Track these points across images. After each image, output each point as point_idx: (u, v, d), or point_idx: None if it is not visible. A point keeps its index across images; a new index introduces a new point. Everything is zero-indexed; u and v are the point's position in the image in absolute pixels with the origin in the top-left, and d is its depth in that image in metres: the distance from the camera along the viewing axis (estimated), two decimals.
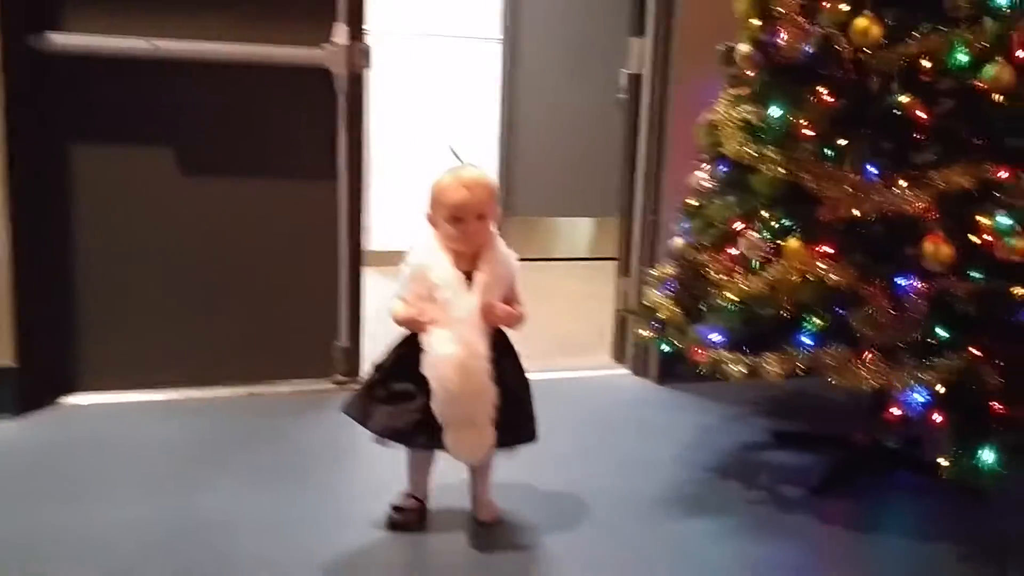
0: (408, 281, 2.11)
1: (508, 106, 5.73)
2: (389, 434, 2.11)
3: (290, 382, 3.19)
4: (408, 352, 2.11)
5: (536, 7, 5.74)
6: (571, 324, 4.24)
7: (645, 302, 2.64)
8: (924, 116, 2.14)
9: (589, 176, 5.77)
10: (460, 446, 2.06)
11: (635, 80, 3.41)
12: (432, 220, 2.13)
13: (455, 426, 2.04)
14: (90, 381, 3.02)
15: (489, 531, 2.22)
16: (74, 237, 2.96)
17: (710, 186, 2.58)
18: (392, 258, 4.79)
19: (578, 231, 6.15)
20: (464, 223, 2.06)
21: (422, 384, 2.05)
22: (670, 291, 2.58)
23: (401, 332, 2.15)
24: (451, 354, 2.00)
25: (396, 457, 2.26)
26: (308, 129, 3.07)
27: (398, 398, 2.10)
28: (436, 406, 2.03)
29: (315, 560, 2.04)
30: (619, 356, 3.66)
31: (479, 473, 2.25)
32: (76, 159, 2.92)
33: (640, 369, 3.53)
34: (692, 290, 2.51)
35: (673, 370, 3.35)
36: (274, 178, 3.09)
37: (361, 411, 2.13)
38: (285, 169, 3.09)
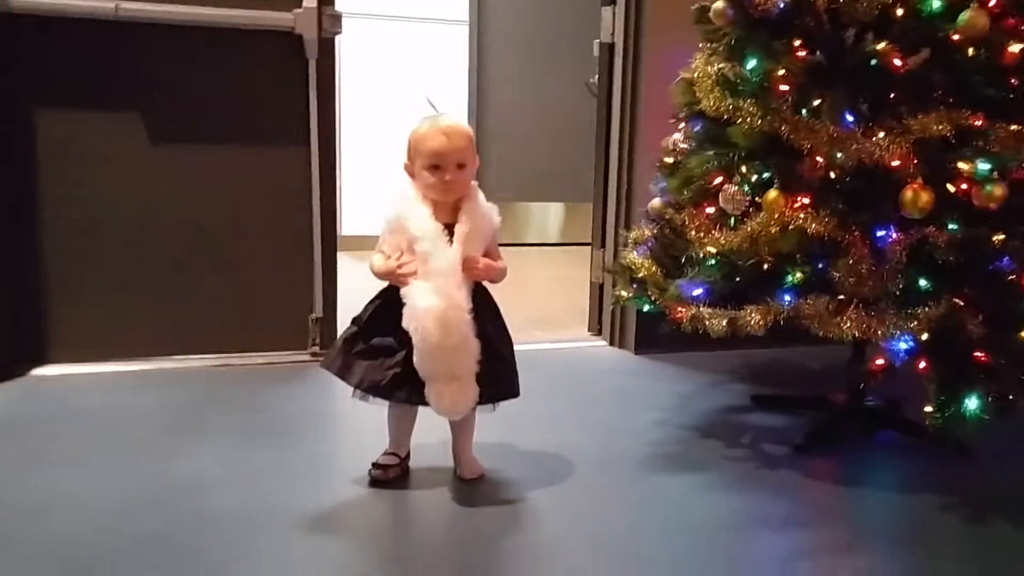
0: (387, 233, 2.08)
1: (477, 90, 5.71)
2: (369, 388, 2.07)
3: (264, 354, 3.15)
4: (386, 305, 2.07)
5: None
6: (546, 302, 4.23)
7: (623, 262, 2.62)
8: (900, 64, 2.13)
9: (559, 161, 5.78)
10: (442, 400, 2.02)
11: (608, 49, 3.40)
12: (410, 170, 2.09)
13: (437, 380, 2.01)
14: (61, 352, 2.97)
15: (472, 487, 2.19)
16: (42, 205, 2.90)
17: (686, 146, 2.57)
18: (361, 243, 4.79)
19: (549, 217, 6.14)
20: (443, 171, 2.03)
21: (402, 337, 2.02)
22: (648, 250, 2.57)
23: (380, 286, 2.11)
24: (432, 306, 1.97)
25: (376, 423, 2.24)
26: (279, 95, 3.04)
27: (378, 352, 2.07)
28: (417, 359, 2.00)
29: (295, 516, 2.00)
30: (596, 328, 3.65)
31: (461, 430, 2.22)
32: (42, 124, 2.86)
33: (617, 340, 3.52)
34: (671, 249, 2.50)
35: (650, 340, 3.35)
36: (245, 145, 3.04)
37: (340, 366, 2.09)
38: (256, 136, 3.04)
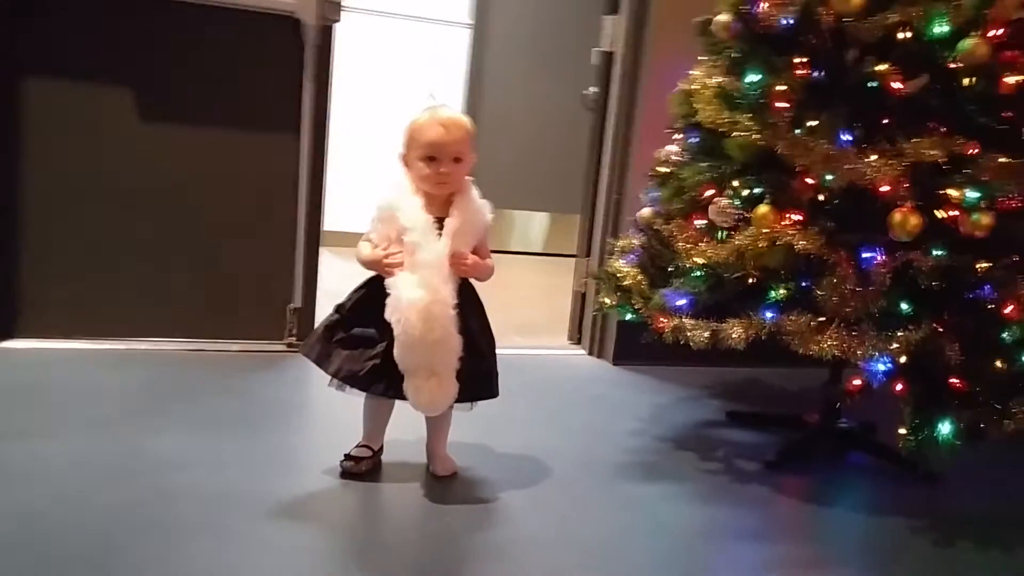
0: (376, 222, 2.06)
1: (473, 93, 5.71)
2: (346, 378, 2.05)
3: (240, 341, 3.11)
4: (370, 295, 2.06)
5: None
6: (527, 309, 4.23)
7: (609, 269, 2.63)
8: (899, 87, 2.15)
9: (548, 170, 5.79)
10: (420, 395, 2.00)
11: (607, 58, 3.41)
12: (405, 160, 2.08)
13: (416, 374, 1.99)
14: (32, 326, 2.93)
15: (445, 484, 2.18)
16: (21, 174, 2.85)
17: (680, 157, 2.58)
18: (343, 239, 4.77)
19: (533, 226, 6.14)
20: (439, 163, 2.02)
21: (383, 329, 2.01)
22: (635, 259, 2.57)
23: (365, 275, 2.10)
24: (416, 299, 1.95)
25: (350, 416, 2.23)
26: (273, 80, 3.01)
27: (358, 342, 2.05)
28: (398, 352, 1.98)
29: (261, 500, 1.98)
30: (575, 338, 3.65)
31: (436, 427, 2.21)
32: (27, 91, 2.82)
33: (596, 350, 3.52)
34: (657, 259, 2.50)
35: (629, 351, 3.36)
36: (236, 128, 3.01)
37: (319, 353, 2.08)
38: (248, 120, 3.02)
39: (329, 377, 2.09)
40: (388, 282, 2.01)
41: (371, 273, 2.09)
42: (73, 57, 2.85)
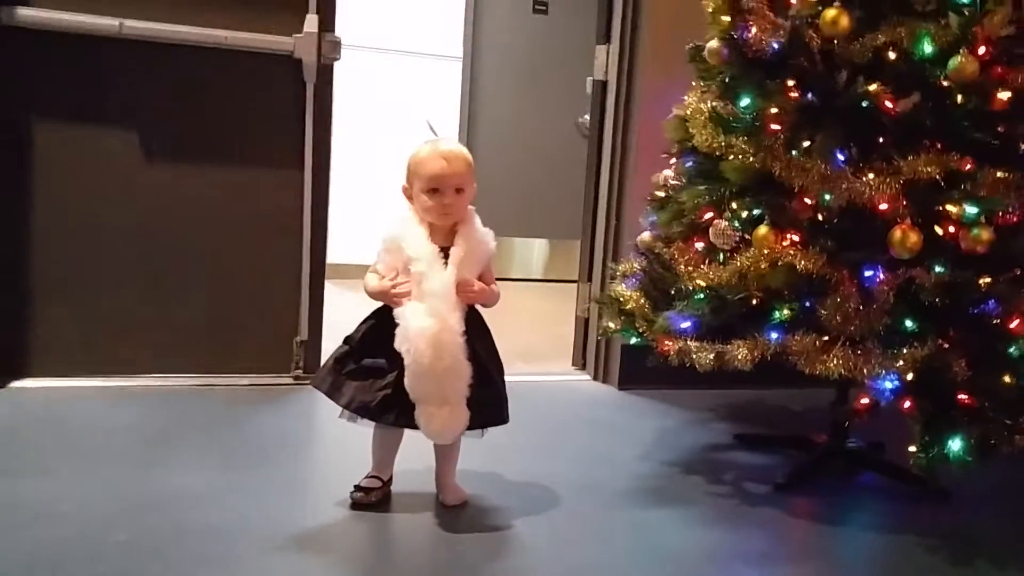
0: (383, 253, 2.08)
1: (467, 124, 5.74)
2: (358, 409, 2.06)
3: (248, 375, 3.12)
4: (379, 326, 2.07)
5: (497, 28, 5.81)
6: (530, 336, 4.23)
7: (611, 294, 2.64)
8: (891, 106, 2.17)
9: (546, 198, 5.82)
10: (432, 423, 2.01)
11: (601, 87, 3.43)
12: (407, 193, 2.11)
13: (427, 402, 2.00)
14: (42, 365, 2.94)
15: (454, 513, 2.18)
16: (29, 216, 2.88)
17: (677, 181, 2.59)
18: (346, 271, 4.77)
19: (533, 253, 6.16)
20: (441, 195, 2.04)
21: (393, 359, 2.02)
22: (636, 283, 2.58)
23: (371, 307, 2.11)
24: (425, 328, 1.97)
25: (359, 446, 2.23)
26: (276, 119, 3.05)
27: (368, 373, 2.06)
28: (408, 381, 1.99)
29: (274, 533, 1.98)
30: (580, 363, 3.65)
31: (445, 456, 2.21)
32: (33, 135, 2.86)
33: (601, 375, 3.52)
34: (659, 283, 2.50)
35: (634, 376, 3.36)
36: (239, 166, 3.05)
37: (330, 385, 2.08)
38: (251, 157, 3.05)
39: (340, 409, 2.10)
40: (396, 312, 2.02)
41: (378, 304, 2.10)
42: (79, 99, 2.89)
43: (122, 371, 3.00)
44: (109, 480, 2.20)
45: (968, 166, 2.14)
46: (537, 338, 4.21)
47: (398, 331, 2.00)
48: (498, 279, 2.19)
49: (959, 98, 2.19)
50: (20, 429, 2.55)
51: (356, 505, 2.14)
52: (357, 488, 2.16)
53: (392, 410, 2.04)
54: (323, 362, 2.18)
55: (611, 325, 2.64)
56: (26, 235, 2.89)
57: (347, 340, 2.12)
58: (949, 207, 2.12)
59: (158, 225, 3.00)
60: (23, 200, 2.87)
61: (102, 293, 2.98)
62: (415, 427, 2.04)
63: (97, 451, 2.40)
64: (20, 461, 2.31)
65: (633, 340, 2.59)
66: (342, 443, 2.23)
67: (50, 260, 2.92)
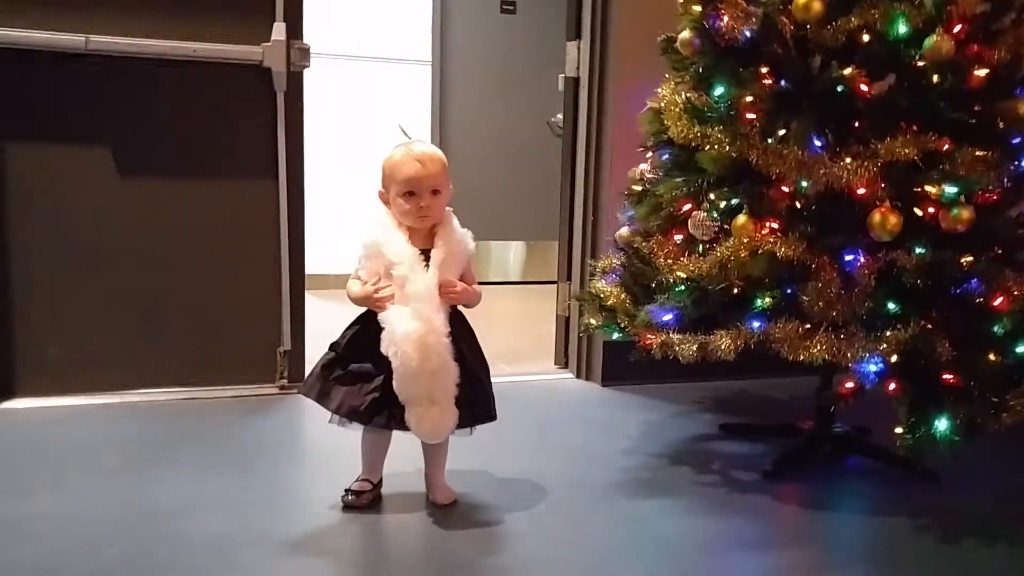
0: (363, 259, 2.08)
1: (439, 129, 5.73)
2: (348, 413, 2.06)
3: (232, 387, 3.11)
4: (363, 331, 2.07)
5: (465, 31, 5.80)
6: (511, 337, 4.22)
7: (591, 290, 2.63)
8: (866, 89, 2.18)
9: (521, 200, 5.82)
10: (422, 423, 2.01)
11: (573, 84, 3.43)
12: (384, 198, 2.10)
13: (417, 403, 2.00)
14: (28, 386, 2.93)
15: (446, 512, 2.17)
16: (7, 238, 2.86)
17: (653, 175, 2.59)
18: (326, 281, 4.74)
19: (510, 255, 6.15)
20: (418, 197, 2.04)
21: (380, 362, 2.02)
22: (617, 279, 2.58)
23: (353, 313, 2.11)
24: (410, 331, 1.97)
25: (348, 452, 2.23)
26: (248, 129, 3.03)
27: (356, 377, 2.06)
28: (397, 384, 1.99)
29: (269, 540, 1.98)
30: (562, 362, 3.64)
31: (434, 455, 2.21)
32: (9, 156, 2.84)
33: (584, 372, 3.52)
34: (639, 277, 2.50)
35: (617, 372, 3.35)
36: (213, 178, 3.03)
37: (319, 392, 2.08)
38: (224, 169, 3.03)
39: (330, 414, 2.10)
40: (381, 316, 2.02)
41: (362, 310, 2.09)
42: (48, 120, 2.87)
43: (108, 388, 2.99)
44: (101, 495, 2.19)
45: (946, 146, 2.14)
46: (519, 339, 4.21)
47: (384, 335, 1.99)
48: (478, 282, 2.19)
49: (935, 78, 2.19)
50: (9, 449, 2.53)
51: (348, 508, 2.14)
52: (348, 492, 2.16)
53: (382, 412, 2.03)
54: (309, 370, 2.18)
55: (592, 322, 2.63)
56: (5, 257, 2.87)
57: (333, 346, 2.11)
58: (928, 188, 2.13)
59: (135, 242, 2.97)
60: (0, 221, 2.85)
61: (84, 313, 2.96)
62: (405, 429, 2.03)
63: (87, 467, 2.38)
64: (10, 481, 2.29)
65: (615, 335, 2.59)
66: (331, 449, 2.23)
67: (31, 283, 2.90)
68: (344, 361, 2.08)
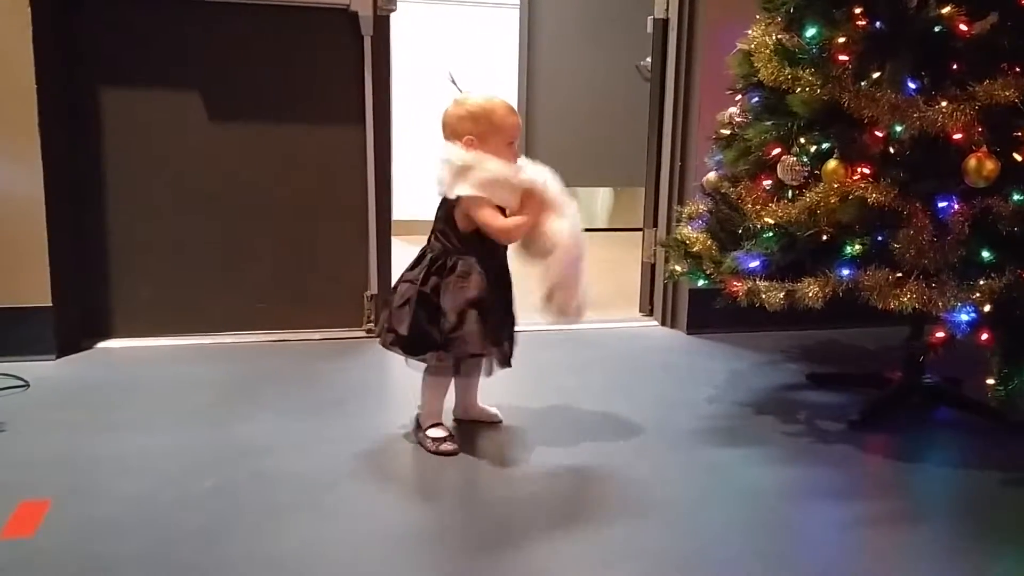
0: (488, 188, 2.09)
1: (527, 75, 5.70)
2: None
3: (320, 330, 3.18)
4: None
5: None
6: (597, 284, 4.15)
7: (677, 236, 2.61)
8: (965, 29, 2.10)
9: (609, 145, 5.76)
10: (573, 304, 2.17)
11: (662, 25, 3.37)
12: (474, 145, 2.12)
13: (571, 287, 2.15)
14: (122, 326, 3.04)
15: (526, 453, 2.21)
16: (104, 185, 2.96)
17: (742, 119, 2.54)
18: (414, 227, 4.78)
19: (596, 202, 6.12)
20: (513, 147, 2.15)
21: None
22: (703, 224, 2.55)
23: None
24: (567, 227, 2.12)
25: None
26: (335, 73, 3.06)
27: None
28: (556, 271, 2.12)
29: (355, 477, 2.05)
30: (647, 309, 3.63)
31: (468, 386, 2.35)
32: (105, 102, 2.92)
33: (669, 320, 3.50)
34: (726, 223, 2.47)
35: (702, 320, 3.33)
36: (302, 122, 3.07)
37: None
38: (313, 114, 3.07)
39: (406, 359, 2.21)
40: (543, 224, 2.12)
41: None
42: (143, 65, 2.94)
43: (199, 330, 3.08)
44: (192, 433, 2.28)
45: None
46: (603, 286, 4.16)
47: (543, 238, 2.11)
48: None
49: None
50: (106, 387, 2.63)
51: (445, 454, 2.18)
52: (437, 439, 2.20)
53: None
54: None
55: (678, 268, 2.62)
56: (100, 201, 2.96)
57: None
58: None
59: (224, 185, 3.05)
60: (96, 164, 2.94)
61: (177, 255, 3.05)
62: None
63: (179, 407, 2.47)
64: (108, 417, 2.39)
65: (701, 282, 2.57)
66: (416, 391, 2.26)
67: (124, 226, 2.99)
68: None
